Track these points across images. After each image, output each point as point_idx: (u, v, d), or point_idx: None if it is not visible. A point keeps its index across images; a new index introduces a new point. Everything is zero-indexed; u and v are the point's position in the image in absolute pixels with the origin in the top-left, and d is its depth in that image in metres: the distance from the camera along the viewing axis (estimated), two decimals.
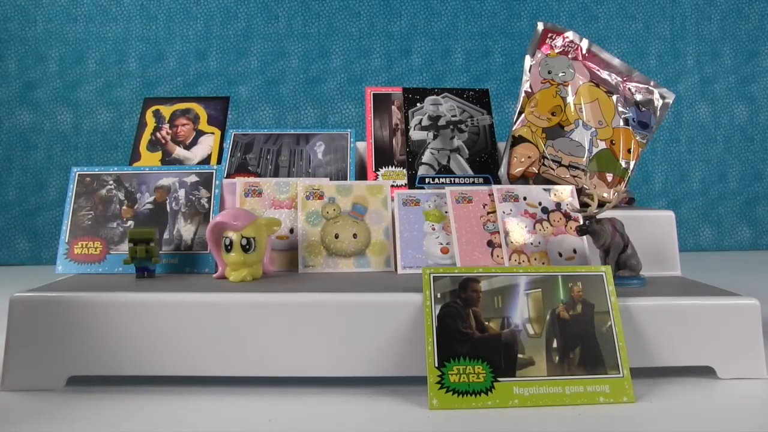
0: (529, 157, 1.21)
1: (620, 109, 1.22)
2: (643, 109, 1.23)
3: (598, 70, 1.25)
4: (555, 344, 0.75)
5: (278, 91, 2.52)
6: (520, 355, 0.75)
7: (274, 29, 2.53)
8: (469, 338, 0.75)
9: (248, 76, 2.51)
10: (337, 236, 1.12)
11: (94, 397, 0.83)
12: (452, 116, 1.35)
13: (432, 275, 0.79)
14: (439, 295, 0.77)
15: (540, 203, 1.12)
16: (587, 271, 0.81)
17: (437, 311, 0.76)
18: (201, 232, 1.13)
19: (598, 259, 1.02)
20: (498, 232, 1.09)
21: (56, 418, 0.76)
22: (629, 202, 1.27)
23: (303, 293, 0.87)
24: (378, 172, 1.30)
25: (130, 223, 1.14)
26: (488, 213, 1.12)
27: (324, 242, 1.11)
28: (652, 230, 1.12)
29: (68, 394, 0.84)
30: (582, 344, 0.76)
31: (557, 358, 0.75)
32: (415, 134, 1.33)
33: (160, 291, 0.91)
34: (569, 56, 1.25)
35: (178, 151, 1.36)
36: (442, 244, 1.10)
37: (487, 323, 0.76)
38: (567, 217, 1.11)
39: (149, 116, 1.41)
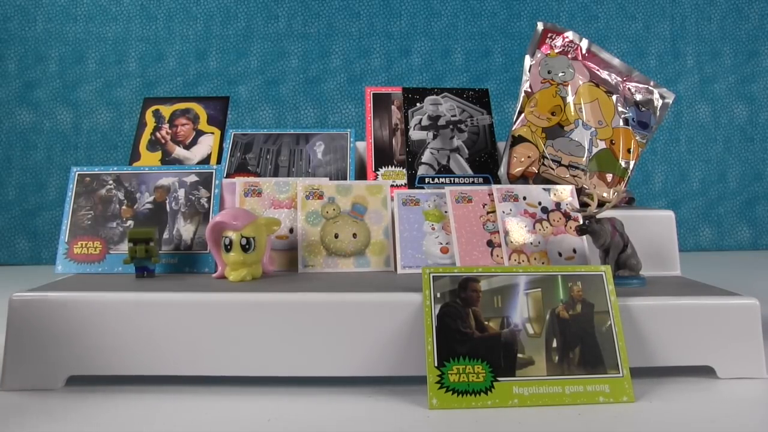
0: (528, 157, 1.21)
1: (620, 109, 1.22)
2: (643, 109, 1.23)
3: (597, 70, 1.25)
4: (555, 344, 0.75)
5: (278, 91, 2.52)
6: (519, 355, 0.74)
7: (274, 29, 2.53)
8: (468, 338, 0.74)
9: (248, 76, 2.51)
10: (336, 236, 1.12)
11: (93, 397, 0.83)
12: (452, 116, 1.35)
13: (432, 275, 0.79)
14: (438, 295, 0.77)
15: (540, 203, 1.12)
16: (587, 271, 0.81)
17: (437, 311, 0.76)
18: (201, 231, 1.13)
19: (597, 259, 1.02)
20: (498, 231, 1.09)
21: (56, 418, 0.76)
22: (629, 202, 1.27)
23: (303, 293, 0.87)
24: (378, 172, 1.30)
25: (130, 222, 1.14)
26: (488, 213, 1.12)
27: (324, 242, 1.11)
28: (652, 230, 1.12)
29: (67, 394, 0.84)
30: (582, 344, 0.76)
31: (557, 357, 0.74)
32: (415, 134, 1.33)
33: (160, 291, 0.91)
34: (569, 56, 1.25)
35: (178, 151, 1.36)
36: (441, 243, 1.10)
37: (486, 323, 0.76)
38: (567, 216, 1.11)
39: (149, 116, 1.41)
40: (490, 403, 0.71)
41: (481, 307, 0.77)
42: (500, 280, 0.79)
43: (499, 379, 0.73)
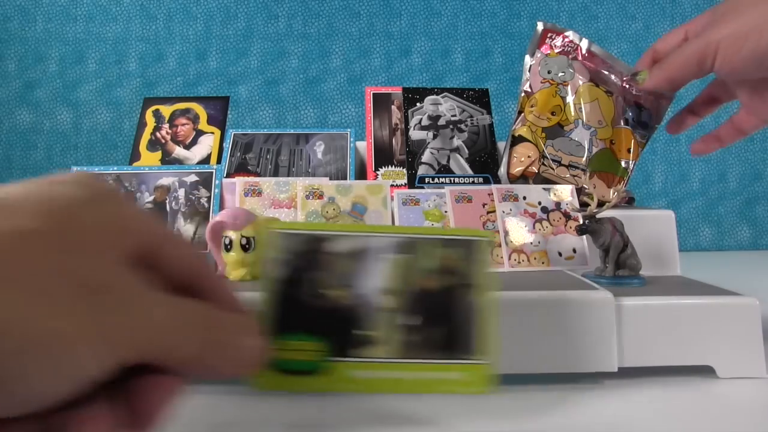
0: (528, 157, 1.21)
1: (620, 108, 1.22)
2: (643, 108, 1.23)
3: (598, 70, 1.25)
4: (410, 321, 0.62)
5: (278, 91, 2.52)
6: (362, 332, 0.62)
7: (274, 29, 2.53)
8: (306, 309, 0.61)
9: (248, 76, 2.51)
10: None
11: None
12: (452, 116, 1.35)
13: (273, 232, 0.63)
14: (279, 257, 0.62)
15: (540, 203, 1.12)
16: (464, 235, 0.65)
17: (275, 276, 0.62)
18: (201, 231, 1.13)
19: (597, 259, 1.02)
20: (498, 231, 1.09)
21: None
22: (629, 202, 1.27)
23: None
24: (378, 172, 1.30)
25: None
26: (488, 212, 1.12)
27: None
28: (652, 230, 1.12)
29: None
30: (442, 323, 0.63)
31: (407, 337, 0.61)
32: (415, 134, 1.33)
33: None
34: (569, 56, 1.25)
35: (178, 151, 1.36)
36: None
37: (330, 292, 0.62)
38: (567, 216, 1.11)
39: (149, 116, 1.41)
40: (319, 386, 0.61)
41: (328, 273, 0.63)
42: (357, 241, 0.65)
43: (336, 359, 0.61)
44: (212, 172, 1.19)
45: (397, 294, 0.64)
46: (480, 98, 1.38)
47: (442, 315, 0.64)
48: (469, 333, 0.63)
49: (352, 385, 0.62)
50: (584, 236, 1.06)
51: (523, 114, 1.24)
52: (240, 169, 1.31)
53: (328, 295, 0.63)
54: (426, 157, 1.30)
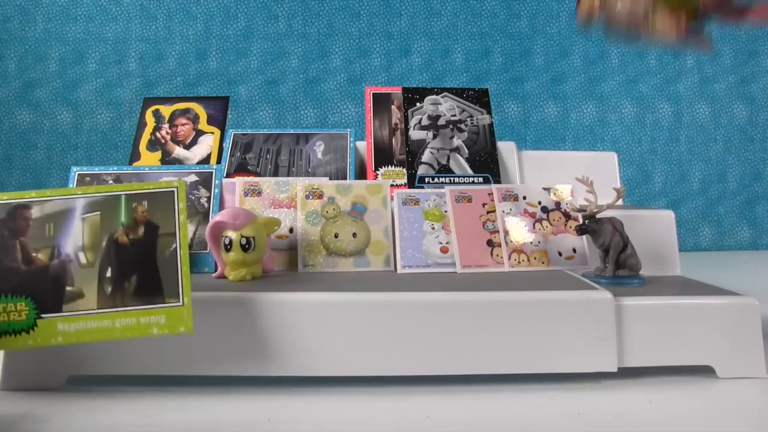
0: None
1: None
2: None
3: None
4: (109, 273, 0.70)
5: (278, 91, 2.52)
6: (68, 288, 0.69)
7: (274, 29, 2.53)
8: (13, 273, 0.69)
9: (248, 76, 2.52)
10: (336, 236, 1.12)
11: (94, 397, 0.83)
12: (452, 116, 1.35)
13: None
14: None
15: (540, 202, 1.12)
16: (155, 188, 0.74)
17: None
18: (201, 231, 1.13)
19: (597, 258, 1.02)
20: (498, 231, 1.09)
21: (56, 418, 0.76)
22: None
23: (302, 292, 0.87)
24: (378, 172, 1.30)
25: None
26: (488, 212, 1.12)
27: (323, 242, 1.11)
28: (652, 230, 1.12)
29: (68, 394, 0.84)
30: (140, 272, 0.71)
31: (110, 288, 0.69)
32: (415, 134, 1.33)
33: None
34: None
35: (178, 151, 1.36)
36: (441, 243, 1.10)
37: (35, 255, 0.70)
38: (566, 216, 1.11)
39: (149, 116, 1.41)
40: (31, 342, 0.68)
41: (30, 237, 0.70)
42: (54, 205, 0.72)
43: (43, 316, 0.68)
44: (212, 172, 1.19)
45: (94, 250, 0.72)
46: (480, 98, 1.38)
47: (136, 265, 0.72)
48: (163, 279, 0.72)
49: (65, 337, 0.70)
50: (584, 236, 1.06)
51: None
52: (240, 169, 1.31)
53: (36, 257, 0.72)
54: (426, 156, 1.30)
